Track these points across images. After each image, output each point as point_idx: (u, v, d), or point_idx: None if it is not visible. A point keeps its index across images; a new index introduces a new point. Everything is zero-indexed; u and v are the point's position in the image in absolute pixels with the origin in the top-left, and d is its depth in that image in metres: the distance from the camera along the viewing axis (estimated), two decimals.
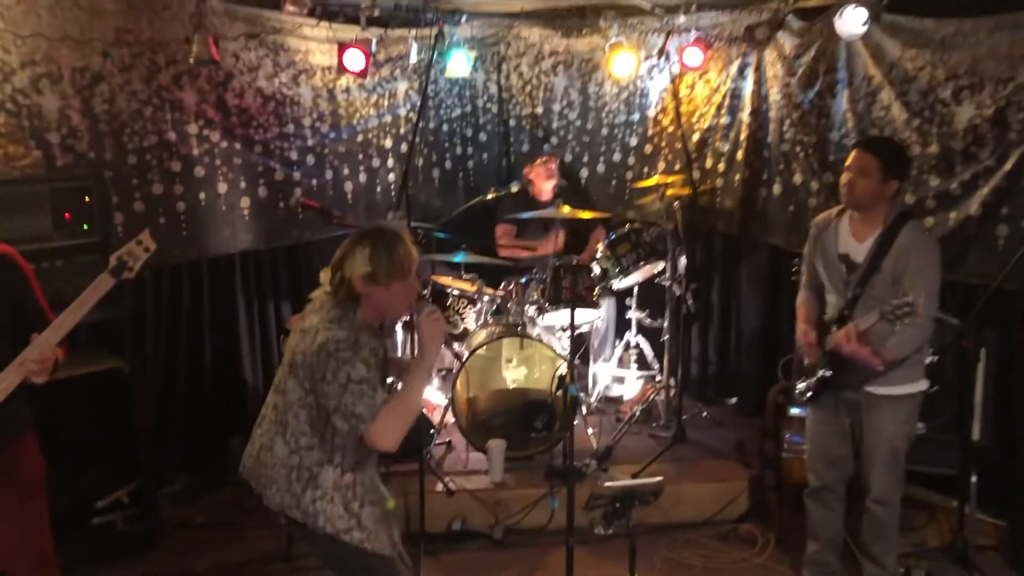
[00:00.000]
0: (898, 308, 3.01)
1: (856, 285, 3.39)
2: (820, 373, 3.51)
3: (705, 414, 5.31)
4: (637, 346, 5.45)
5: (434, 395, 5.28)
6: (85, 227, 3.84)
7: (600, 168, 5.92)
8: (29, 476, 2.91)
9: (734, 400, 5.63)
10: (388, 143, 5.58)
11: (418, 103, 5.47)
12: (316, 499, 2.69)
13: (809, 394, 3.61)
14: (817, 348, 3.51)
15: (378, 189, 5.57)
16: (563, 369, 4.47)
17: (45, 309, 2.90)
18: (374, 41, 5.07)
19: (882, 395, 3.40)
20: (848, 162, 3.39)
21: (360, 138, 5.43)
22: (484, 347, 4.61)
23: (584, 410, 5.01)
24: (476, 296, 4.96)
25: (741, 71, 5.19)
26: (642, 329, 5.46)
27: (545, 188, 5.43)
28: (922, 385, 3.46)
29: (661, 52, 5.15)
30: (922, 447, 3.98)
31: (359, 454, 2.72)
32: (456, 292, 5.01)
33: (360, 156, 5.45)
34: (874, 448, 3.46)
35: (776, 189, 5.05)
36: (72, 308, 2.70)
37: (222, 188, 4.74)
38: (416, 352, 2.94)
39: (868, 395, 3.43)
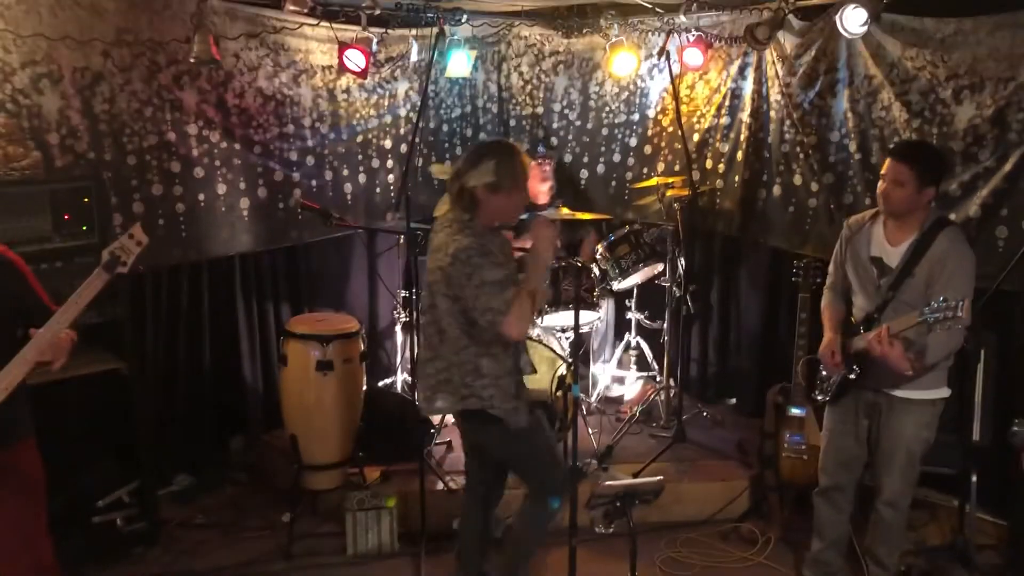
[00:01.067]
0: (939, 311, 2.96)
1: (888, 289, 3.35)
2: (844, 374, 3.49)
3: (705, 414, 5.31)
4: (637, 347, 5.45)
5: None
6: (84, 228, 3.84)
7: (600, 169, 5.92)
8: (29, 481, 2.90)
9: (734, 400, 5.64)
10: (388, 144, 5.58)
11: (418, 103, 5.46)
12: (485, 385, 3.16)
13: (830, 395, 3.60)
14: (839, 364, 3.48)
15: (378, 190, 5.57)
16: (563, 370, 4.48)
17: (48, 305, 2.89)
18: (374, 41, 5.06)
19: (905, 399, 3.38)
20: (884, 170, 3.34)
21: (360, 139, 5.42)
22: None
23: (584, 410, 5.01)
24: None
25: (741, 71, 5.19)
26: (642, 330, 5.47)
27: (541, 190, 5.41)
28: (944, 392, 3.43)
29: (661, 52, 5.15)
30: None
31: (501, 344, 3.13)
32: None
33: (360, 157, 5.45)
34: (891, 452, 3.45)
35: (776, 190, 5.05)
36: (69, 304, 2.71)
37: (221, 189, 4.74)
38: (531, 253, 3.22)
39: (890, 398, 3.41)
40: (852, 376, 3.46)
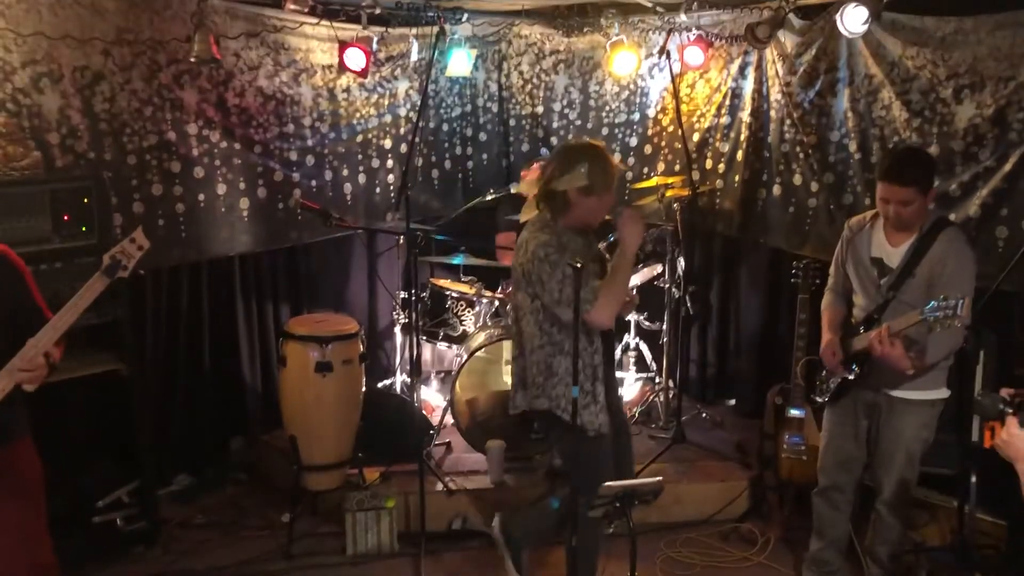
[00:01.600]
0: (939, 310, 2.96)
1: (888, 289, 3.36)
2: (845, 374, 3.49)
3: (704, 415, 5.32)
4: (636, 348, 5.45)
5: (433, 396, 5.29)
6: (84, 229, 3.83)
7: None
8: (27, 481, 2.89)
9: (733, 401, 5.64)
10: (388, 143, 5.57)
11: (418, 102, 5.45)
12: (555, 384, 3.20)
13: (829, 395, 3.60)
14: (839, 364, 3.48)
15: (377, 190, 5.56)
16: None
17: (42, 308, 2.88)
18: (375, 40, 5.06)
19: (904, 399, 3.39)
20: (881, 194, 3.30)
21: (360, 138, 5.41)
22: (483, 349, 4.60)
23: None
24: (475, 298, 4.96)
25: (742, 70, 5.18)
26: (641, 331, 5.46)
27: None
28: (944, 392, 3.43)
29: (662, 51, 5.14)
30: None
31: (581, 342, 3.11)
32: (455, 294, 5.00)
33: (360, 157, 5.44)
34: (890, 452, 3.45)
35: (776, 190, 5.05)
36: (67, 308, 2.69)
37: (221, 189, 4.74)
38: (619, 246, 3.26)
39: (890, 399, 3.42)
40: (852, 376, 3.46)
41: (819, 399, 3.68)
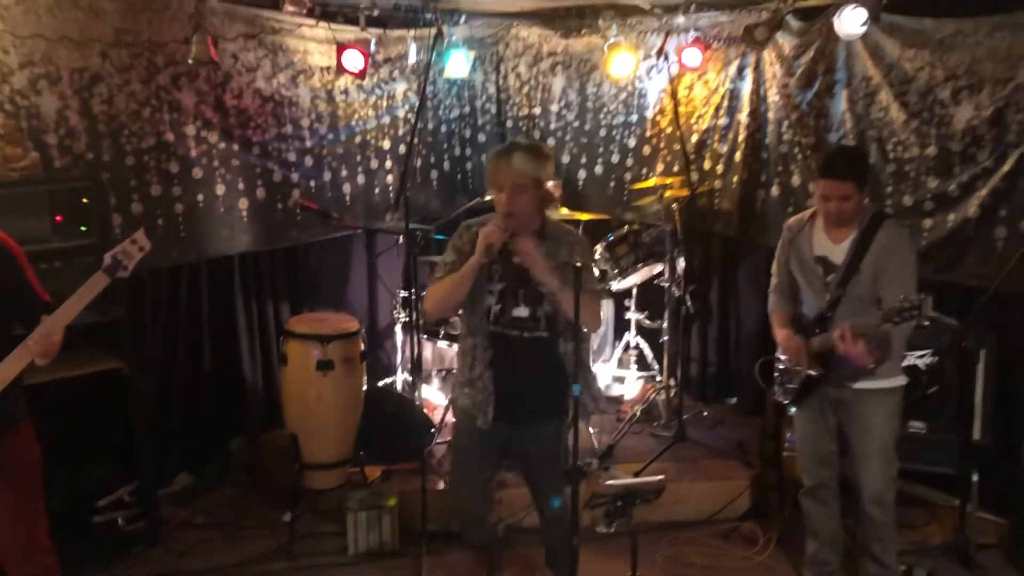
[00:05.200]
0: (903, 311, 3.03)
1: (836, 286, 3.41)
2: (807, 373, 3.52)
3: (705, 414, 5.33)
4: (637, 347, 5.45)
5: (434, 395, 5.29)
6: (83, 229, 3.83)
7: (598, 169, 5.92)
8: (25, 465, 2.92)
9: (734, 400, 5.64)
10: (386, 144, 5.57)
11: (416, 104, 5.45)
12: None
13: (793, 396, 3.64)
14: (803, 350, 3.51)
15: (376, 190, 5.56)
16: None
17: (35, 289, 2.90)
18: (373, 42, 5.07)
19: (868, 390, 3.43)
20: (821, 191, 3.38)
21: (358, 139, 5.42)
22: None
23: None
24: None
25: (740, 72, 5.19)
26: (641, 330, 5.47)
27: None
28: (902, 380, 3.51)
29: (660, 52, 5.15)
30: (922, 447, 4.01)
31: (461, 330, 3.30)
32: None
33: (358, 157, 5.45)
34: (865, 446, 3.49)
35: (774, 191, 5.05)
36: (68, 304, 2.73)
37: (220, 189, 4.74)
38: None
39: (854, 392, 3.46)
40: (814, 374, 3.49)
41: (783, 400, 3.72)
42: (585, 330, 3.25)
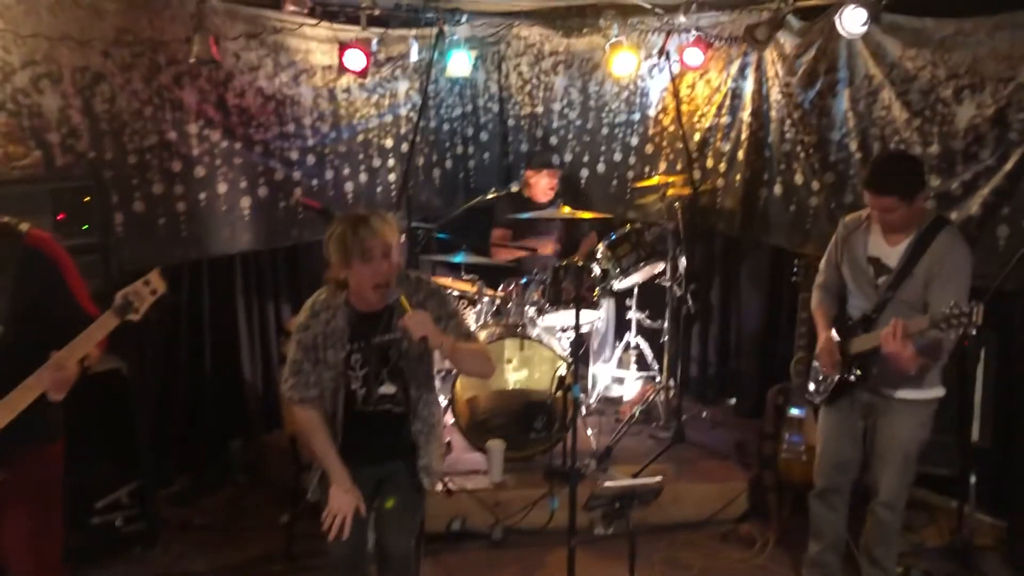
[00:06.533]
0: (953, 318, 2.93)
1: (887, 289, 3.35)
2: (844, 375, 3.47)
3: (705, 415, 5.32)
4: (637, 347, 5.45)
5: None
6: (85, 227, 3.84)
7: (601, 168, 5.92)
8: (47, 484, 2.86)
9: (733, 401, 5.63)
10: (389, 143, 5.58)
11: (418, 103, 5.46)
12: None
13: (826, 396, 3.59)
14: (838, 363, 3.47)
15: (378, 189, 5.57)
16: (563, 370, 4.48)
17: (75, 298, 2.76)
18: (374, 41, 5.07)
19: (903, 400, 3.39)
20: (869, 201, 3.31)
21: (360, 138, 5.42)
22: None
23: (584, 410, 5.01)
24: (476, 297, 4.96)
25: (742, 71, 5.18)
26: (642, 330, 5.46)
27: (546, 192, 5.46)
28: (940, 391, 3.43)
29: (661, 51, 5.15)
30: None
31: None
32: (456, 293, 5.00)
33: (360, 156, 5.45)
34: (887, 452, 3.46)
35: (777, 189, 5.05)
36: (78, 341, 2.58)
37: (222, 188, 4.74)
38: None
39: (887, 399, 3.41)
40: (852, 378, 3.44)
41: (816, 399, 3.68)
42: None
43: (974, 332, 3.02)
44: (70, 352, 2.58)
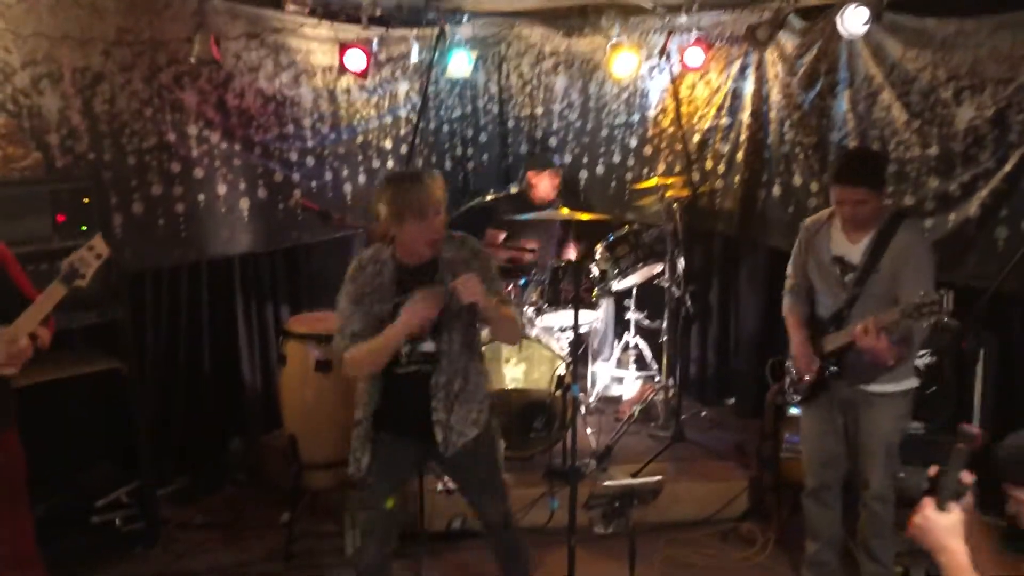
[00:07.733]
0: (924, 307, 2.99)
1: (854, 285, 3.40)
2: (821, 373, 3.50)
3: (704, 414, 5.33)
4: (636, 347, 5.45)
5: None
6: (84, 228, 3.83)
7: (600, 169, 5.92)
8: (9, 473, 2.87)
9: (732, 400, 5.63)
10: (388, 144, 5.58)
11: (418, 104, 5.46)
12: None
13: (804, 394, 3.62)
14: (813, 362, 3.51)
15: None
16: (562, 369, 4.48)
17: (24, 294, 2.82)
18: (375, 41, 5.07)
19: (881, 393, 3.42)
20: (835, 196, 3.35)
21: (360, 139, 5.42)
22: (483, 347, 4.59)
23: (583, 410, 5.01)
24: None
25: (742, 71, 5.18)
26: (641, 330, 5.47)
27: (549, 191, 5.46)
28: (914, 382, 3.50)
29: (662, 52, 5.15)
30: (922, 447, 3.98)
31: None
32: None
33: (360, 157, 5.45)
34: (872, 447, 3.48)
35: (776, 191, 5.05)
36: (28, 312, 2.65)
37: (221, 190, 4.74)
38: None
39: (865, 394, 3.45)
40: (828, 374, 3.48)
41: (792, 399, 3.72)
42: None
43: (945, 319, 3.06)
44: (23, 322, 2.63)
